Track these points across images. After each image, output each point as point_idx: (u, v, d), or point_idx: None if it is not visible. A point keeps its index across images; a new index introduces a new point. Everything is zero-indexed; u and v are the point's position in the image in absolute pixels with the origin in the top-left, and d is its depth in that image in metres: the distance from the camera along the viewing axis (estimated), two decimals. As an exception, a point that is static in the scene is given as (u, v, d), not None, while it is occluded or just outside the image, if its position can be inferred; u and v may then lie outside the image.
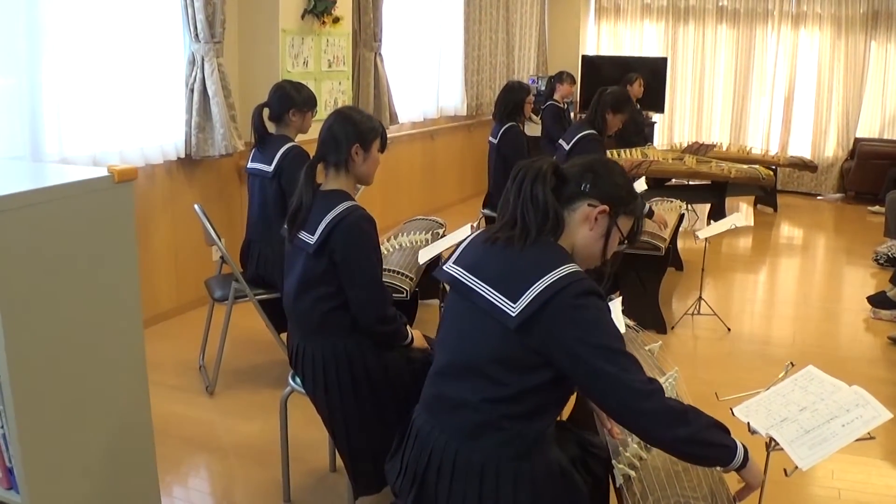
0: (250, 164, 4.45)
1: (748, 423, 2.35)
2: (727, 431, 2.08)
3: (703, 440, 2.00)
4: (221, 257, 4.48)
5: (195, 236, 5.54)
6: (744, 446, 2.09)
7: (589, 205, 2.15)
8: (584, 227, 2.16)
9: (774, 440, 2.26)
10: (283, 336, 4.48)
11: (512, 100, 6.18)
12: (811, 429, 2.26)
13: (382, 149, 3.12)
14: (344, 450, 3.06)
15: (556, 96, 8.43)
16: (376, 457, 3.02)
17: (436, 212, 8.74)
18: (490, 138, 6.34)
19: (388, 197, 8.05)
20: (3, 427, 2.18)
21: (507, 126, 6.13)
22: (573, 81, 8.77)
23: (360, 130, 3.03)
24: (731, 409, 2.44)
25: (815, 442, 2.20)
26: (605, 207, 2.15)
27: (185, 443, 3.91)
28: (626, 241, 2.27)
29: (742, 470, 2.09)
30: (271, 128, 4.45)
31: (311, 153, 4.24)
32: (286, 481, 3.43)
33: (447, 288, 2.30)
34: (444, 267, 2.27)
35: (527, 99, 6.21)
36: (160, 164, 5.25)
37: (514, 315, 2.00)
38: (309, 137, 4.58)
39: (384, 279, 3.34)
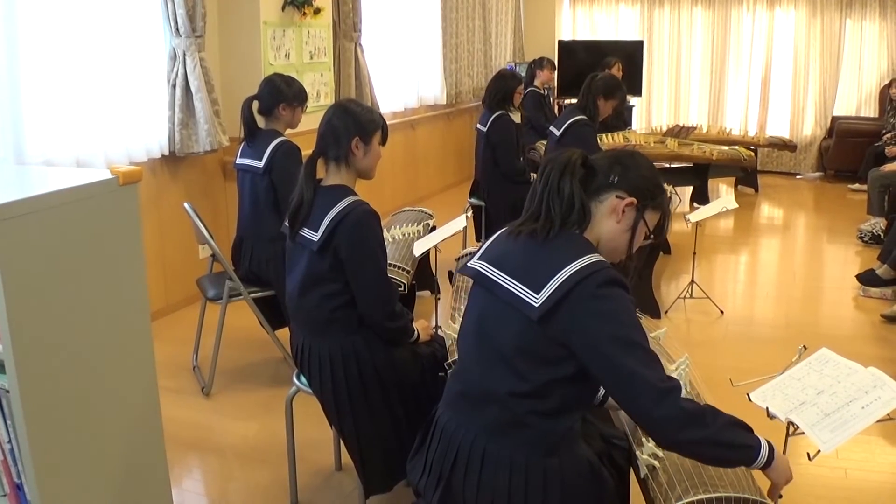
0: (239, 160, 4.37)
1: (766, 408, 2.33)
2: (749, 430, 2.03)
3: (722, 441, 1.95)
4: (212, 255, 4.42)
5: (181, 235, 5.48)
6: (769, 444, 2.03)
7: (617, 196, 2.12)
8: (610, 220, 2.13)
9: (794, 424, 2.24)
10: (278, 333, 4.45)
11: (503, 88, 6.11)
12: (831, 412, 2.24)
13: (384, 141, 3.07)
14: (354, 449, 3.02)
15: (537, 82, 8.40)
16: (387, 455, 3.00)
17: (419, 202, 8.70)
18: (478, 125, 6.28)
19: (371, 188, 7.97)
20: (10, 441, 2.12)
21: (497, 114, 6.05)
22: (553, 67, 8.73)
23: (359, 123, 2.98)
24: (748, 395, 2.42)
25: (836, 425, 2.19)
26: (633, 200, 2.12)
27: (183, 446, 3.84)
28: (651, 236, 2.23)
29: (767, 469, 2.03)
30: (261, 122, 4.37)
31: (302, 147, 4.22)
32: (293, 482, 3.38)
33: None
34: (468, 263, 2.25)
35: (517, 88, 6.16)
36: (144, 162, 5.17)
37: (536, 306, 1.98)
38: (298, 131, 4.53)
39: None
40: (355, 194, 2.97)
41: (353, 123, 2.97)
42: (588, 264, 1.98)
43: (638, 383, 1.91)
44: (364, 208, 2.91)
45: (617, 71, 8.65)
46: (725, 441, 1.96)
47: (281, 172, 4.14)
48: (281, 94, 4.28)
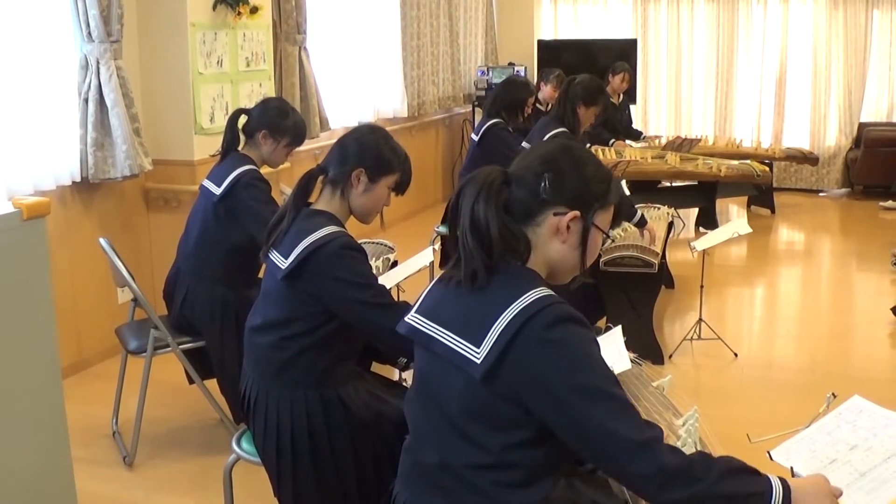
0: (205, 179, 4.32)
1: (791, 467, 2.35)
2: (754, 472, 1.97)
3: (720, 494, 1.89)
4: (134, 300, 4.40)
5: (97, 276, 5.45)
6: (781, 481, 1.97)
7: (555, 214, 2.07)
8: (555, 241, 2.09)
9: (824, 486, 2.26)
10: (208, 384, 4.40)
11: (510, 96, 6.11)
12: (867, 470, 2.27)
13: (397, 191, 3.16)
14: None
15: (539, 97, 8.30)
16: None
17: (376, 232, 8.66)
18: (472, 135, 6.27)
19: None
20: None
21: (491, 122, 6.05)
22: (562, 82, 8.67)
23: (375, 155, 3.06)
24: (769, 453, 2.44)
25: (872, 486, 2.21)
26: (576, 213, 2.07)
27: (103, 528, 3.82)
28: (608, 237, 2.20)
29: None
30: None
31: (274, 188, 4.20)
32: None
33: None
34: (405, 318, 2.23)
35: (528, 101, 6.16)
36: (52, 190, 5.13)
37: (478, 362, 1.95)
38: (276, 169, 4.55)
39: None
40: (341, 226, 3.00)
41: (368, 152, 3.05)
42: (530, 303, 1.94)
43: (607, 439, 1.88)
44: (344, 241, 2.92)
45: (621, 82, 8.73)
46: (725, 494, 1.90)
47: (237, 205, 4.09)
48: (269, 118, 4.23)
